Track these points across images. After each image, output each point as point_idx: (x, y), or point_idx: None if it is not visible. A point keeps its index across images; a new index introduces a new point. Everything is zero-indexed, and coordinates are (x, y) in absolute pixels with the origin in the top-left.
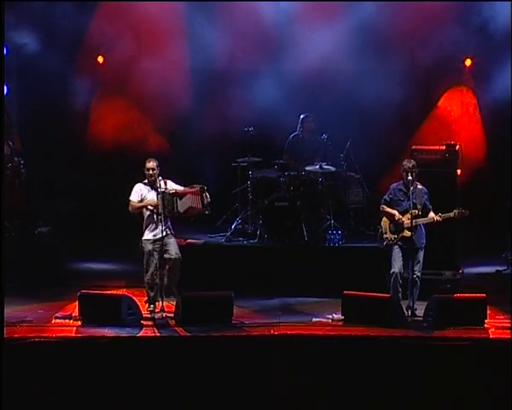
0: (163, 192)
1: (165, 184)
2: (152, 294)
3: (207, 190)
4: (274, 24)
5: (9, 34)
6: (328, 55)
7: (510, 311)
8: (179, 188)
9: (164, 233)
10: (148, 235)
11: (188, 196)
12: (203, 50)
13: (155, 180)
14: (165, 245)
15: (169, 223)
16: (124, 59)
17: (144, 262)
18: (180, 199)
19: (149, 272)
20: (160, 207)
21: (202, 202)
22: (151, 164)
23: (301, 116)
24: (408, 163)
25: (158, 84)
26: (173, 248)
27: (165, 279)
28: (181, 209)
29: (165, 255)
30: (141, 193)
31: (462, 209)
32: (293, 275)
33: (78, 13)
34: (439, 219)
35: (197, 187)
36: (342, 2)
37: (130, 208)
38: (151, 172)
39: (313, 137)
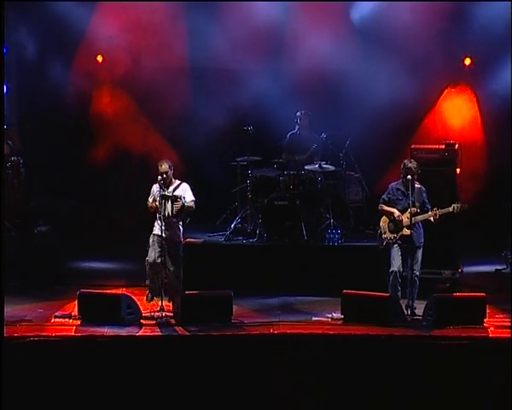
0: (162, 195)
1: (179, 185)
2: (151, 284)
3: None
4: (273, 23)
5: (9, 33)
6: (328, 55)
7: (510, 310)
8: (189, 196)
9: (167, 237)
10: (154, 230)
11: (171, 202)
12: (202, 49)
13: (170, 182)
14: (168, 253)
15: (178, 226)
16: (123, 58)
17: (148, 251)
18: (172, 203)
19: (149, 263)
20: (158, 208)
21: (172, 209)
22: (163, 168)
23: (297, 114)
24: (411, 164)
25: (157, 83)
26: (172, 262)
27: (169, 289)
28: (166, 212)
29: (166, 265)
30: (154, 194)
31: (461, 203)
32: (293, 274)
33: (78, 12)
34: (436, 212)
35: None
36: (342, 1)
37: (148, 208)
38: (164, 176)
39: (310, 133)
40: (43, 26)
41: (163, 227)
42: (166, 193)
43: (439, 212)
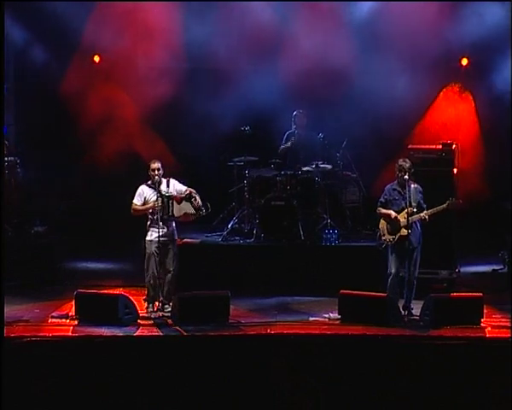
0: (161, 195)
1: (168, 183)
2: (152, 293)
3: (197, 192)
4: (271, 22)
5: (6, 33)
6: (325, 55)
7: (510, 310)
8: (182, 188)
9: (165, 238)
10: (150, 236)
11: (183, 202)
12: (200, 49)
13: (160, 181)
14: (166, 253)
15: (173, 225)
16: (120, 58)
17: (145, 263)
18: (178, 203)
19: (150, 273)
20: (157, 209)
21: (194, 206)
22: (156, 165)
23: (293, 113)
24: (404, 163)
25: (154, 83)
26: (171, 262)
27: (165, 289)
28: (176, 213)
29: (165, 265)
30: (144, 196)
31: (455, 199)
32: (290, 274)
33: (75, 12)
34: (427, 213)
35: (186, 193)
36: (340, 1)
37: (132, 211)
38: (156, 172)
39: (308, 133)
40: (40, 26)
41: (162, 229)
42: (165, 194)
43: (429, 212)
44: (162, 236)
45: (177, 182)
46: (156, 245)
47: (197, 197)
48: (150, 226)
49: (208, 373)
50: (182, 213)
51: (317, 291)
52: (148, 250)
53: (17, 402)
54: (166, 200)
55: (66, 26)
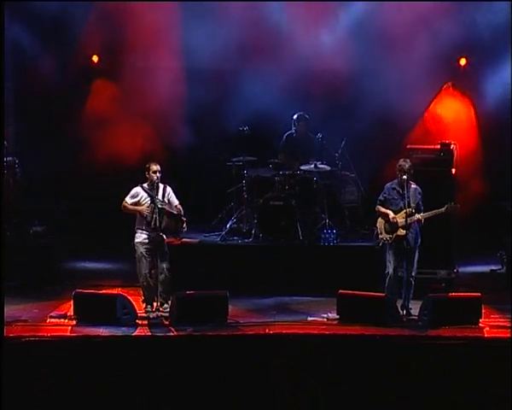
0: (156, 205)
1: (164, 190)
2: (148, 294)
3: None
4: (270, 23)
5: (5, 33)
6: (324, 55)
7: (510, 310)
8: (174, 200)
9: (154, 239)
10: (139, 238)
11: (170, 217)
12: (198, 50)
13: (158, 185)
14: (156, 254)
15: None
16: (118, 59)
17: (137, 265)
18: (167, 217)
19: (142, 275)
20: (148, 216)
21: (177, 228)
22: (157, 167)
23: (294, 116)
24: (404, 163)
25: (152, 84)
26: (163, 262)
27: (160, 289)
28: (161, 226)
29: (157, 266)
30: (139, 198)
31: (453, 203)
32: (289, 274)
33: (74, 11)
34: (422, 217)
35: (178, 212)
36: (339, 1)
37: (122, 208)
38: (158, 174)
39: (307, 136)
40: (39, 26)
41: (151, 231)
42: (158, 203)
43: (427, 214)
44: (151, 237)
45: (171, 192)
46: (146, 247)
47: (184, 219)
48: (138, 228)
49: (207, 373)
50: (164, 226)
51: (315, 291)
52: (137, 252)
53: (15, 402)
54: (158, 211)
55: (65, 26)
